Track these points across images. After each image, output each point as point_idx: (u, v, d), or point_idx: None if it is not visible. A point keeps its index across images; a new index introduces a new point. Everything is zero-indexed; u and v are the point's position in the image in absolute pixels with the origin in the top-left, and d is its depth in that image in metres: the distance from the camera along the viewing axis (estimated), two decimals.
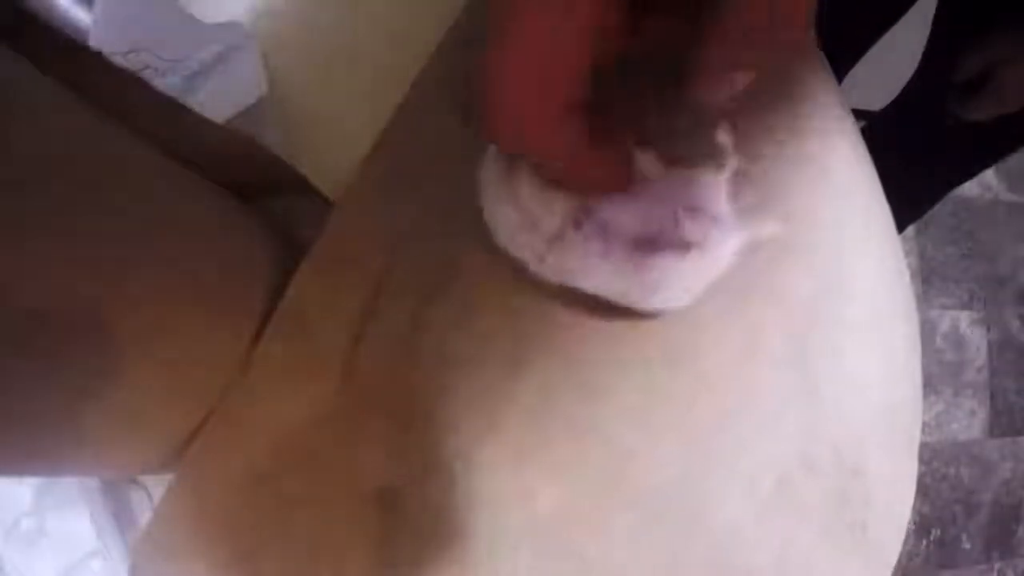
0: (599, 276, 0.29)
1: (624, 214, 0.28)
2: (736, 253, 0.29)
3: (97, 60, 0.26)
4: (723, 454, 0.30)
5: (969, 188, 1.22)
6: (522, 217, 0.29)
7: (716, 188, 0.28)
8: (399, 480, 0.32)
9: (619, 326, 0.32)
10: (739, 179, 0.28)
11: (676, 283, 0.29)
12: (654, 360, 0.32)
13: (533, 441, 0.31)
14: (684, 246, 0.27)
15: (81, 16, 0.32)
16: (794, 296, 0.31)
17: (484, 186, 0.31)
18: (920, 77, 0.62)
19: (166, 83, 0.34)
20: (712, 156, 0.28)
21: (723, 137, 0.28)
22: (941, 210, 1.20)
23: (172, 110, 0.28)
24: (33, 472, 0.29)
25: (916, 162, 0.58)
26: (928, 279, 1.15)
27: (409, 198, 0.36)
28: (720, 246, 0.28)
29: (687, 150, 0.29)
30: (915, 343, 0.31)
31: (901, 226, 0.87)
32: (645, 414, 0.31)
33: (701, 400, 0.31)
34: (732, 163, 0.28)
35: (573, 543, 0.30)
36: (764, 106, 0.34)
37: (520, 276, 0.33)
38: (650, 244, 0.28)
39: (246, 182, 0.34)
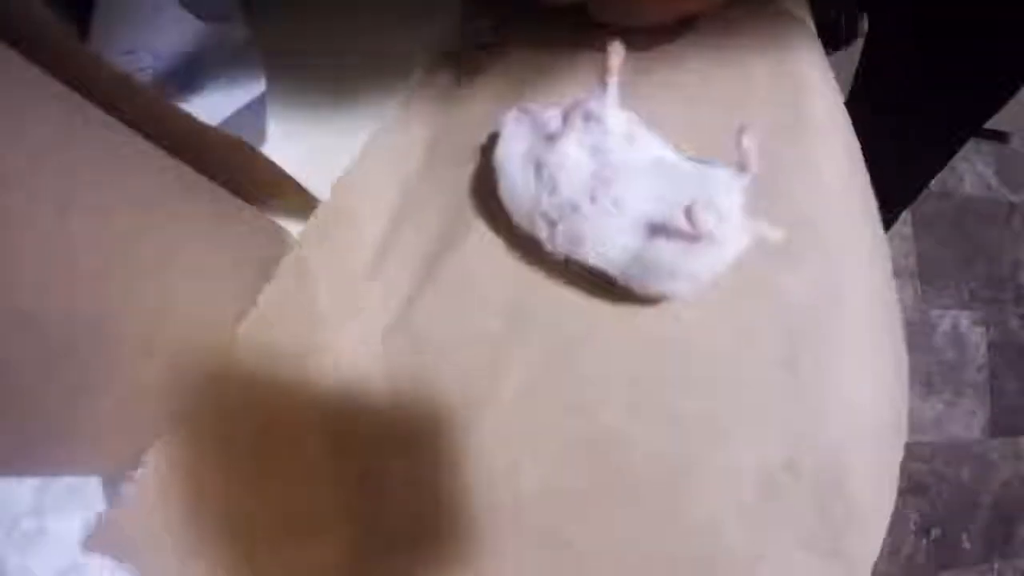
0: (607, 251, 0.29)
1: (640, 195, 0.29)
2: (742, 252, 0.29)
3: (96, 62, 0.26)
4: (709, 448, 0.30)
5: (969, 188, 1.22)
6: (541, 185, 0.30)
7: (733, 187, 0.28)
8: (386, 455, 0.32)
9: (617, 311, 0.32)
10: (753, 181, 0.29)
11: (681, 270, 0.29)
12: (648, 348, 0.32)
13: (522, 419, 0.31)
14: (693, 236, 0.27)
15: None
16: (791, 302, 0.31)
17: (501, 163, 0.31)
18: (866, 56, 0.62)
19: (166, 81, 0.34)
20: (736, 157, 0.28)
21: (749, 140, 0.27)
22: (941, 210, 1.20)
23: (169, 112, 0.28)
24: (33, 471, 0.29)
25: (896, 147, 0.57)
26: (928, 279, 1.15)
27: (419, 171, 0.36)
28: (729, 242, 0.28)
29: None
30: (902, 363, 0.31)
31: (890, 219, 0.88)
32: (634, 401, 0.31)
33: (691, 392, 0.31)
34: (754, 168, 0.28)
35: (554, 525, 0.30)
36: (773, 104, 0.34)
37: (524, 254, 0.33)
38: (661, 229, 0.28)
39: (244, 182, 0.33)
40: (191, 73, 0.35)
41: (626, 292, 0.31)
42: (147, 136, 0.29)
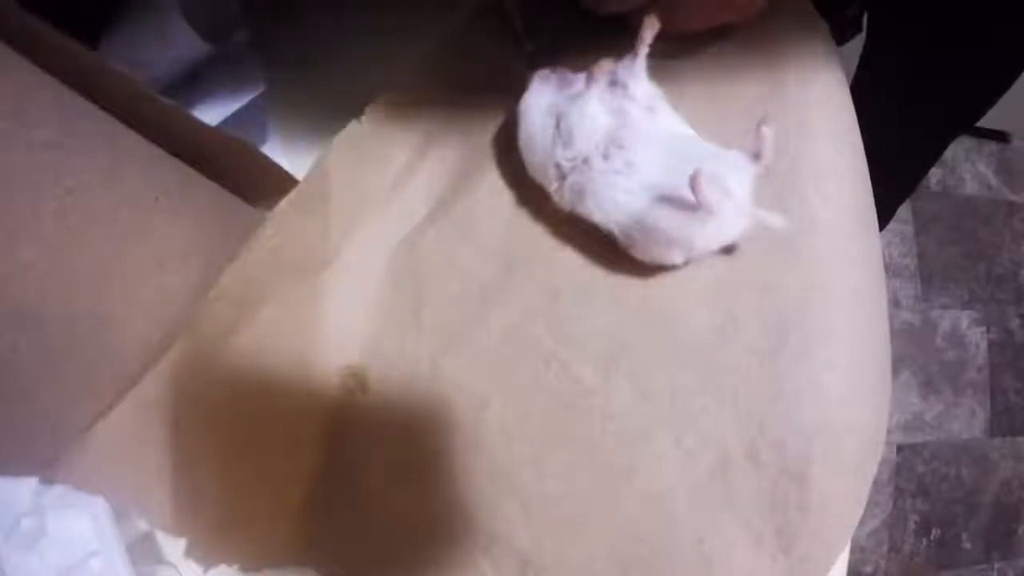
0: (611, 209, 0.30)
1: (652, 162, 0.30)
2: (741, 234, 0.30)
3: (98, 63, 0.26)
4: (673, 422, 0.30)
5: (969, 188, 1.22)
6: (558, 137, 0.31)
7: (741, 169, 0.29)
8: (369, 360, 0.33)
9: (609, 276, 0.33)
10: (764, 171, 0.29)
11: (678, 239, 0.29)
12: (633, 317, 0.32)
13: (499, 358, 0.32)
14: (694, 205, 0.27)
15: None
16: (781, 296, 0.31)
17: (524, 111, 0.32)
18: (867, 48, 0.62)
19: (168, 83, 0.34)
20: (753, 144, 0.29)
21: (767, 131, 0.28)
22: (941, 210, 1.20)
23: (170, 112, 0.28)
24: (33, 471, 0.29)
25: (891, 141, 0.57)
26: (928, 279, 1.15)
27: (451, 110, 0.37)
28: (728, 220, 0.29)
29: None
30: (885, 370, 0.31)
31: (886, 216, 0.88)
32: (609, 363, 0.31)
33: (666, 366, 0.31)
34: (768, 158, 0.29)
35: (507, 467, 0.31)
36: (792, 107, 0.34)
37: (531, 210, 0.34)
38: (666, 198, 0.29)
39: (244, 181, 0.34)
40: (192, 74, 0.35)
41: (621, 258, 0.32)
42: (148, 136, 0.29)
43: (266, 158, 0.32)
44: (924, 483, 1.07)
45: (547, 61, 0.34)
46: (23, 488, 0.29)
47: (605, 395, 0.31)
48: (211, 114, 0.34)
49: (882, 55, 0.60)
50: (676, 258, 0.30)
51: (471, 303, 0.33)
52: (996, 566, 1.06)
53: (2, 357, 0.22)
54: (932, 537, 1.05)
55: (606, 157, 0.30)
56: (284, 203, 0.34)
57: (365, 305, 0.34)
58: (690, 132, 0.31)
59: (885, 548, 1.03)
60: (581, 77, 0.32)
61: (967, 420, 1.11)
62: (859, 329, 0.31)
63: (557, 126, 0.31)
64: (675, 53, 0.35)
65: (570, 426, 0.31)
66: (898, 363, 1.10)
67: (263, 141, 0.38)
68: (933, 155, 0.73)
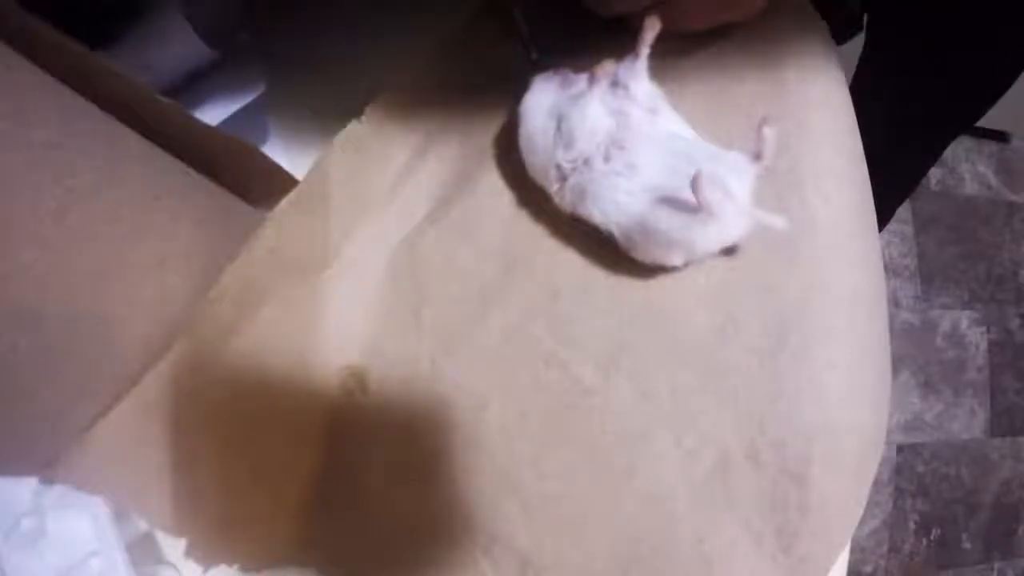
0: (612, 211, 0.30)
1: (654, 164, 0.30)
2: (742, 235, 0.30)
3: (97, 62, 0.26)
4: (673, 421, 0.30)
5: (969, 188, 1.22)
6: (559, 138, 0.31)
7: (742, 170, 0.29)
8: (369, 360, 0.33)
9: (609, 277, 0.33)
10: (765, 171, 0.29)
11: (679, 241, 0.29)
12: (633, 317, 0.32)
13: (499, 358, 0.32)
14: (695, 206, 0.27)
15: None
16: (781, 296, 0.31)
17: (525, 112, 0.33)
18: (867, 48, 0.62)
19: (168, 81, 0.34)
20: (753, 145, 0.29)
21: (768, 132, 0.28)
22: (941, 210, 1.20)
23: (170, 112, 0.28)
24: (32, 471, 0.29)
25: (890, 142, 0.57)
26: (928, 279, 1.15)
27: (452, 109, 0.37)
28: (729, 222, 0.29)
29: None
30: (885, 369, 0.31)
31: (885, 216, 0.88)
32: (609, 362, 0.31)
33: (666, 366, 0.31)
34: (768, 158, 0.29)
35: (508, 467, 0.31)
36: (792, 107, 0.34)
37: (531, 210, 0.34)
38: (667, 199, 0.29)
39: (244, 181, 0.34)
40: (193, 75, 0.35)
41: (622, 259, 0.32)
42: (148, 136, 0.29)
43: (266, 158, 0.32)
44: (924, 483, 1.07)
45: (549, 62, 0.34)
46: (23, 488, 0.29)
47: (605, 395, 0.31)
48: (211, 114, 0.34)
49: (882, 55, 0.60)
50: (676, 259, 0.31)
51: (471, 303, 0.33)
52: (996, 566, 1.06)
53: (2, 357, 0.22)
54: (932, 537, 1.05)
55: (607, 158, 0.30)
56: (284, 203, 0.34)
57: (365, 305, 0.34)
58: (691, 133, 0.31)
59: (885, 548, 1.03)
60: (583, 78, 0.32)
61: (967, 420, 1.11)
62: (859, 329, 0.31)
63: (558, 127, 0.31)
64: (675, 53, 0.35)
65: (570, 426, 0.31)
66: (898, 363, 1.10)
67: (263, 141, 0.38)
68: (933, 155, 0.73)
